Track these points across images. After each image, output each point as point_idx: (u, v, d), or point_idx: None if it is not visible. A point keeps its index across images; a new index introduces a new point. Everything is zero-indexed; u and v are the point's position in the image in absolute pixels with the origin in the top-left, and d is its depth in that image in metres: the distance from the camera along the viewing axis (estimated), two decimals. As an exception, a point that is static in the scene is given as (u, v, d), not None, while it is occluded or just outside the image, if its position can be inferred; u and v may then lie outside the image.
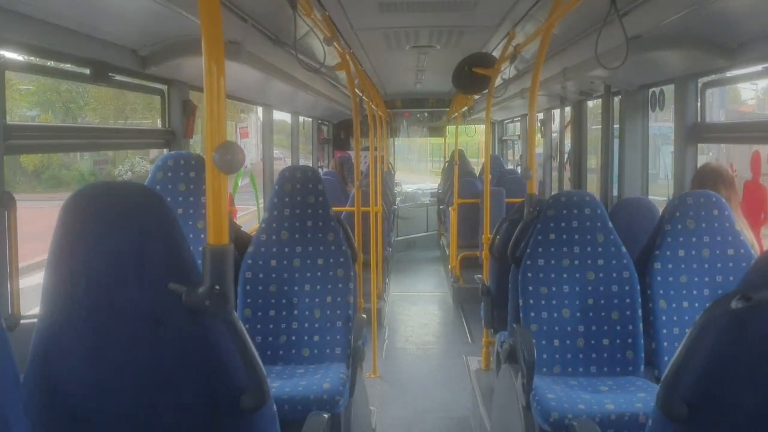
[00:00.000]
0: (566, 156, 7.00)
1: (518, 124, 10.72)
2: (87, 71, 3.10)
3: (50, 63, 3.00)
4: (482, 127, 7.50)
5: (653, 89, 4.62)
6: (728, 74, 3.68)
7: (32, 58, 2.71)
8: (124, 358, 1.46)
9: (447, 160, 12.14)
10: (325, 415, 2.30)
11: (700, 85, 3.95)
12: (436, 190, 12.99)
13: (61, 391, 1.48)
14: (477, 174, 10.86)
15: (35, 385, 1.48)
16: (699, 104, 3.96)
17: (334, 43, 4.03)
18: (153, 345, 1.46)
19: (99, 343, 1.45)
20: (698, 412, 1.38)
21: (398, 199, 12.54)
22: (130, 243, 1.45)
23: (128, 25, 3.01)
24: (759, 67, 3.28)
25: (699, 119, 3.96)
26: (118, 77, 3.31)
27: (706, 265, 3.21)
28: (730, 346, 1.33)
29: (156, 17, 2.94)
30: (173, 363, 1.47)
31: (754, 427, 1.28)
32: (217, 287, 1.40)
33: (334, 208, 3.75)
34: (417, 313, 8.05)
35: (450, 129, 12.08)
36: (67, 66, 3.05)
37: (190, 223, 3.27)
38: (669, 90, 4.38)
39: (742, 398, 1.30)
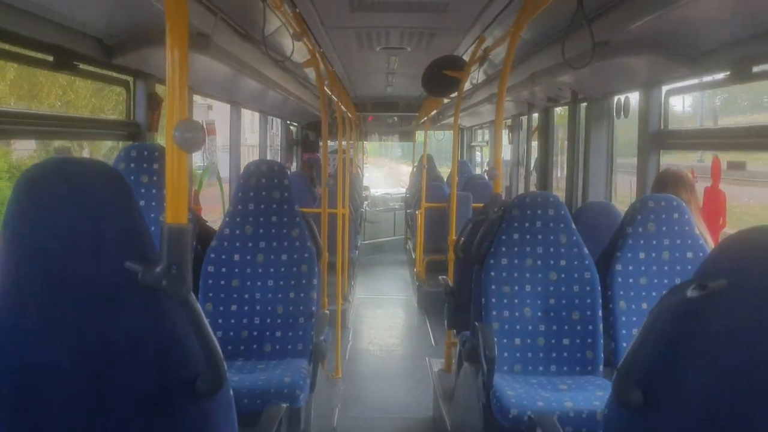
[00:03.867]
0: (533, 162, 7.07)
1: (487, 130, 10.81)
2: (50, 58, 3.03)
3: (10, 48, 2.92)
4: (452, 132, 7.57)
5: (618, 96, 4.69)
6: (691, 82, 3.75)
7: None
8: (77, 338, 1.43)
9: (415, 164, 12.19)
10: (284, 405, 2.28)
11: (663, 92, 4.02)
12: (404, 194, 13.03)
13: (11, 372, 1.44)
14: (445, 179, 10.91)
15: None
16: (663, 111, 4.03)
17: (304, 39, 4.01)
18: (107, 325, 1.43)
19: (52, 324, 1.42)
20: (652, 400, 1.40)
21: (366, 202, 12.55)
22: (86, 220, 1.42)
23: (94, 12, 2.96)
24: (721, 75, 3.35)
25: (662, 126, 4.04)
26: (82, 66, 3.25)
27: (666, 268, 3.26)
28: (684, 334, 1.35)
29: (122, 5, 2.90)
30: (127, 344, 1.44)
31: (706, 415, 1.30)
32: (175, 267, 1.38)
33: (300, 209, 3.73)
34: (382, 315, 8.05)
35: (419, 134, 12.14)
36: (29, 52, 2.98)
37: (152, 215, 3.22)
38: (633, 98, 4.45)
39: (695, 386, 1.32)
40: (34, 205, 1.42)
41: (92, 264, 1.42)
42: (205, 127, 6.72)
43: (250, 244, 3.55)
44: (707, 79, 3.52)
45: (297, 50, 4.49)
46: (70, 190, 1.43)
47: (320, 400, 3.68)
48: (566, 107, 5.60)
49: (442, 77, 5.48)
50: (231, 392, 1.58)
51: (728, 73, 3.21)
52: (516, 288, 3.36)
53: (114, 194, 1.46)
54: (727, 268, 1.31)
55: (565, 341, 3.31)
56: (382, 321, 7.81)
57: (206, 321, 1.46)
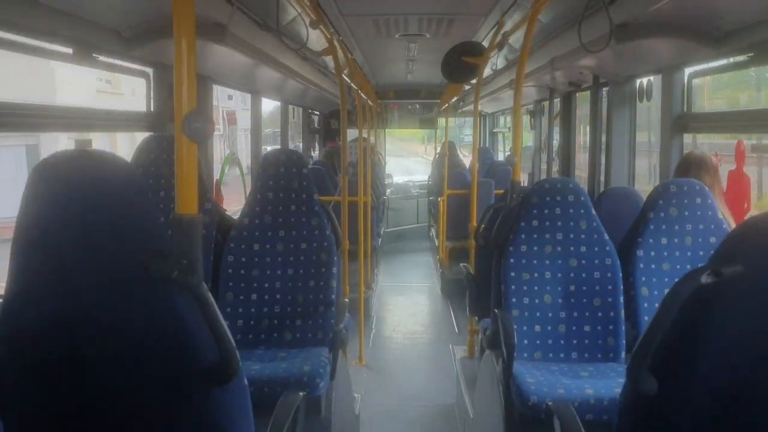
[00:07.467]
0: (555, 149, 7.00)
1: (509, 116, 10.74)
2: (69, 51, 3.06)
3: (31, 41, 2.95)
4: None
5: (640, 80, 4.62)
6: (714, 64, 3.68)
7: (13, 35, 2.67)
8: (91, 328, 1.44)
9: (437, 152, 12.16)
10: (300, 393, 2.29)
11: (686, 74, 3.96)
12: (427, 181, 13.00)
13: (28, 361, 1.46)
14: (467, 166, 10.86)
15: (3, 358, 1.46)
16: (685, 94, 3.97)
17: (321, 27, 4.00)
18: (121, 316, 1.44)
19: (66, 315, 1.43)
20: (667, 387, 1.38)
21: (389, 190, 12.54)
22: (98, 211, 1.43)
23: (111, 5, 2.98)
24: (744, 57, 3.28)
25: (685, 109, 3.97)
26: (102, 58, 3.27)
27: (689, 253, 3.21)
28: (699, 320, 1.33)
29: None
30: (140, 335, 1.45)
31: (722, 403, 1.28)
32: (185, 257, 1.38)
33: (321, 198, 3.73)
34: (405, 303, 8.06)
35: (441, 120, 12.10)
36: (50, 45, 3.01)
37: (173, 205, 3.25)
38: (656, 81, 4.39)
39: (711, 374, 1.30)
40: (48, 196, 1.43)
41: (104, 255, 1.43)
42: (225, 117, 6.73)
43: (269, 233, 3.56)
44: (731, 61, 3.45)
45: (316, 39, 4.48)
46: (82, 181, 1.44)
47: (343, 387, 3.70)
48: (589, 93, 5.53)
49: (461, 63, 5.45)
50: (245, 381, 1.59)
51: (752, 54, 3.15)
52: (536, 275, 3.33)
53: (125, 185, 1.47)
54: (744, 253, 1.28)
55: (586, 328, 3.28)
56: (406, 308, 7.82)
57: (218, 311, 1.46)
